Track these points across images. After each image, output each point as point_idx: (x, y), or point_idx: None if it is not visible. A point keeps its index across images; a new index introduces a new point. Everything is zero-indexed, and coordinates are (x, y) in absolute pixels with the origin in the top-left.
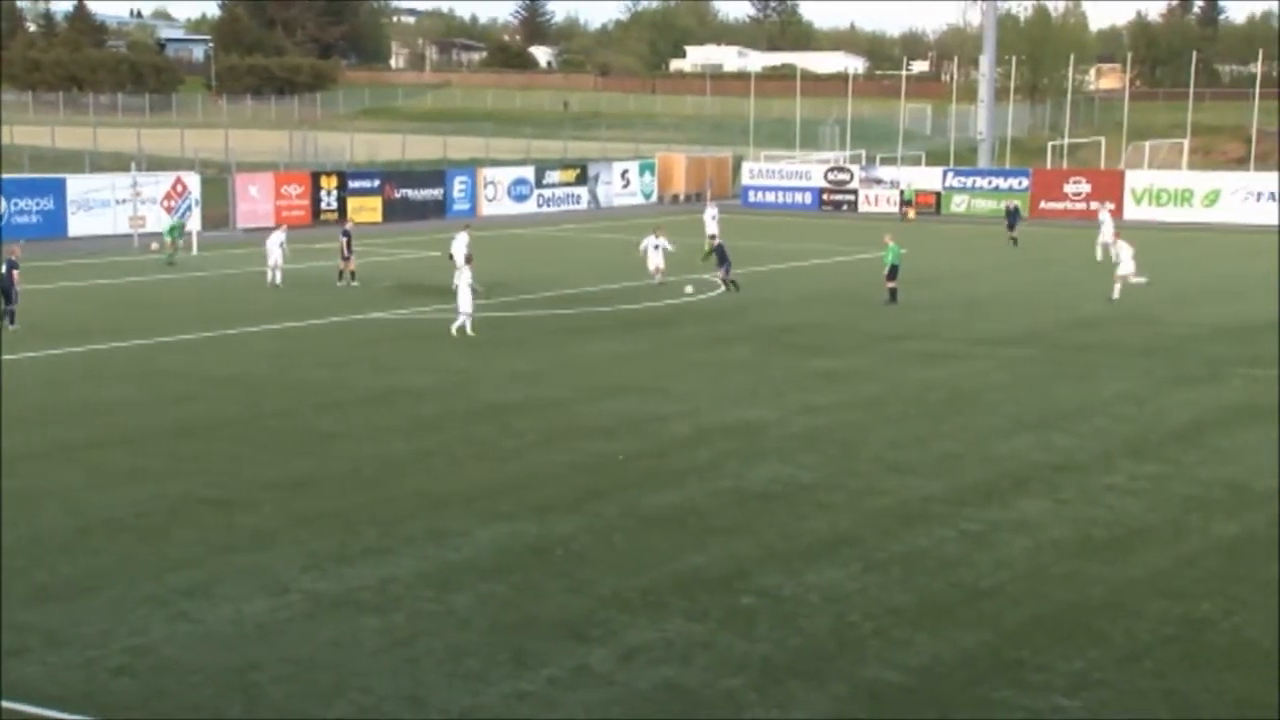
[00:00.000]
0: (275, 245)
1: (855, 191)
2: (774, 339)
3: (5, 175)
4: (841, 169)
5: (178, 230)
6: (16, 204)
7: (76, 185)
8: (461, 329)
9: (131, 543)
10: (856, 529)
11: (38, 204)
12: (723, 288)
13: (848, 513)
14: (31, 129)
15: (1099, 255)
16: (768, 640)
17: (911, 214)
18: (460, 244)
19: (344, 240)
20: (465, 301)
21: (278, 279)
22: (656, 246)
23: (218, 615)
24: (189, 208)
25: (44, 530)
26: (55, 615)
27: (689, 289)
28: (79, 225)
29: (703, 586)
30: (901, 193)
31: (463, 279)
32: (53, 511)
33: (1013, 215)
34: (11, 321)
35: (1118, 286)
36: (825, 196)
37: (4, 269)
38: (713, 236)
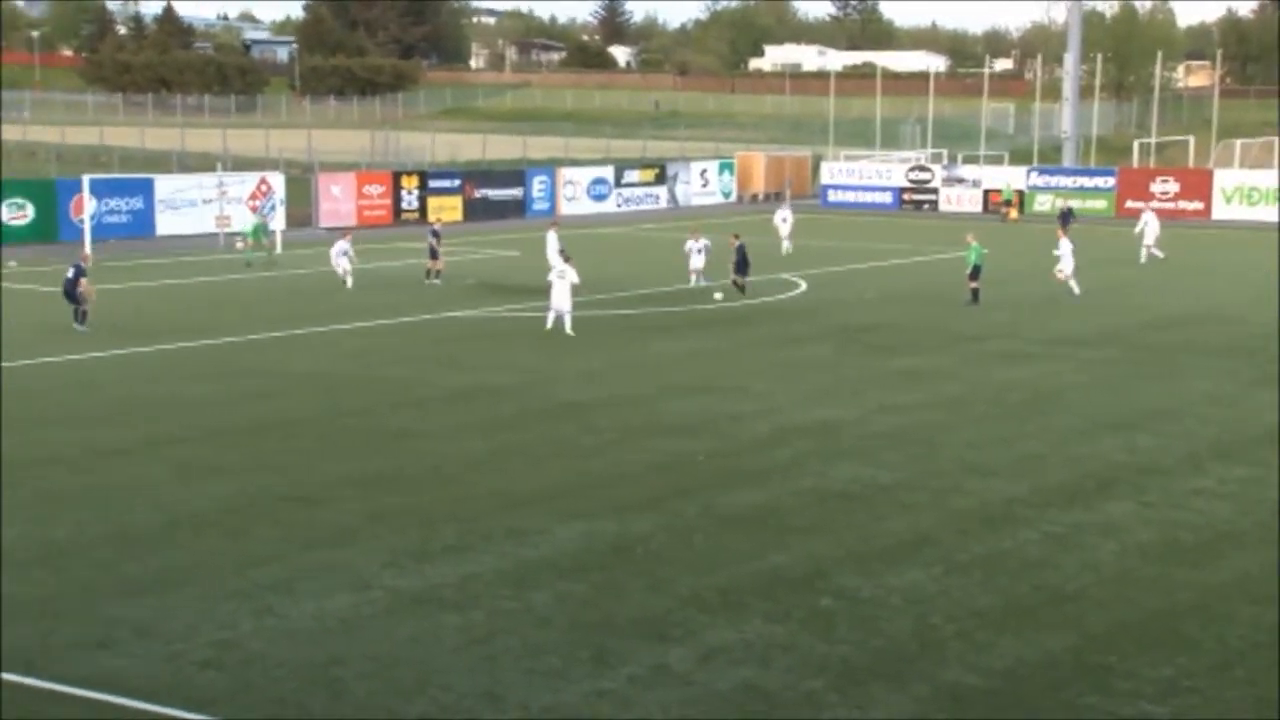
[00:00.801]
0: (339, 255)
1: (936, 191)
2: (853, 338)
3: (96, 176)
4: (922, 168)
5: (261, 230)
6: (107, 204)
7: (164, 185)
8: (559, 325)
9: (216, 538)
10: (938, 530)
11: (127, 204)
12: (739, 292)
13: (929, 513)
14: (122, 130)
15: (1142, 257)
16: (848, 642)
17: (1013, 214)
18: (553, 243)
19: (433, 240)
20: (563, 299)
21: (349, 284)
22: (699, 251)
23: (301, 611)
24: (272, 208)
25: (132, 525)
26: (144, 608)
27: (718, 295)
28: (166, 225)
29: (782, 587)
30: (1000, 192)
31: (564, 275)
32: (141, 506)
33: (1065, 217)
34: (81, 322)
35: (1072, 282)
36: (905, 196)
37: (70, 273)
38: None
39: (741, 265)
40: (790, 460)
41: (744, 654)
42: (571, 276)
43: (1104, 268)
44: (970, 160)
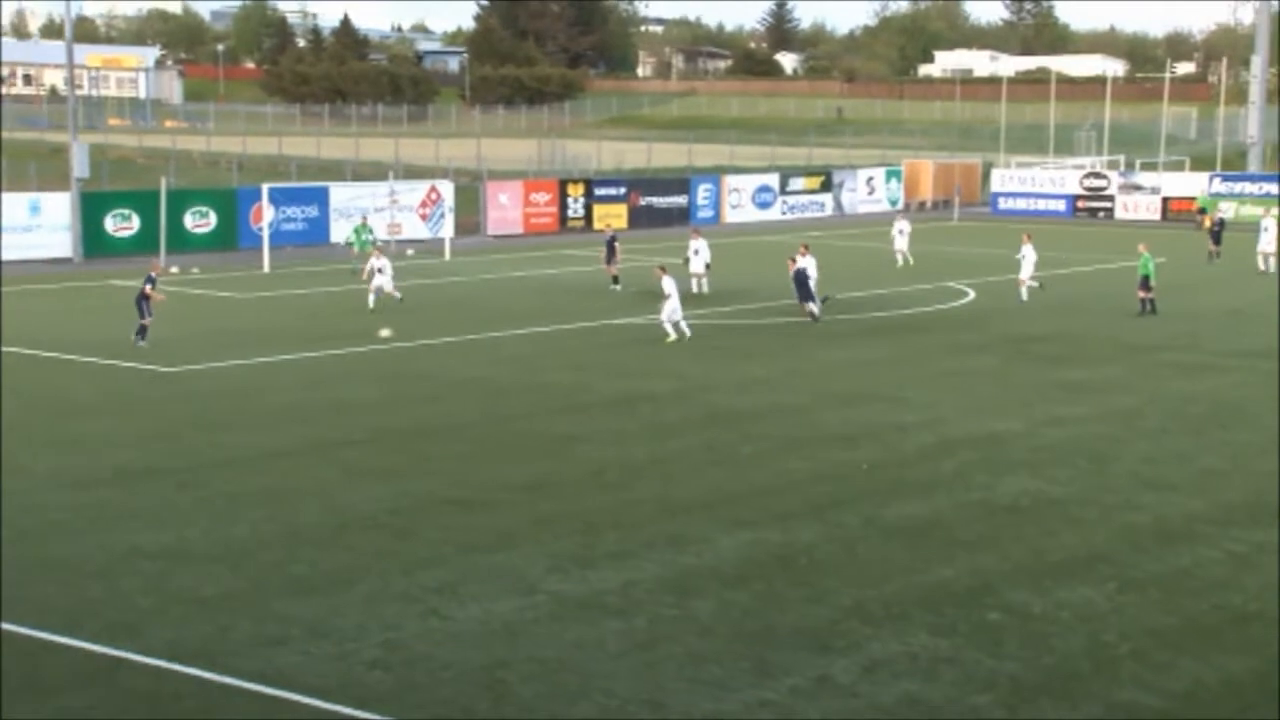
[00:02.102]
0: (377, 272)
1: (1112, 198)
2: (1021, 348)
3: (275, 184)
4: (1098, 175)
5: (364, 231)
6: (284, 212)
7: (339, 193)
8: (680, 334)
9: (383, 540)
10: (1111, 546)
11: (303, 211)
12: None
13: (1101, 529)
14: (299, 140)
15: (1260, 265)
16: (1017, 658)
17: (1207, 222)
18: (703, 252)
19: (607, 247)
20: (674, 309)
21: (380, 299)
22: (696, 252)
23: (466, 613)
24: (441, 216)
25: (302, 525)
26: (314, 607)
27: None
28: (340, 232)
29: (948, 600)
30: (1195, 199)
31: (678, 285)
32: (311, 508)
33: (1219, 228)
34: (141, 337)
35: (1023, 289)
36: (1080, 204)
37: (143, 283)
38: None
39: (804, 293)
40: (955, 472)
41: (908, 667)
42: (669, 287)
43: None
44: (1149, 167)
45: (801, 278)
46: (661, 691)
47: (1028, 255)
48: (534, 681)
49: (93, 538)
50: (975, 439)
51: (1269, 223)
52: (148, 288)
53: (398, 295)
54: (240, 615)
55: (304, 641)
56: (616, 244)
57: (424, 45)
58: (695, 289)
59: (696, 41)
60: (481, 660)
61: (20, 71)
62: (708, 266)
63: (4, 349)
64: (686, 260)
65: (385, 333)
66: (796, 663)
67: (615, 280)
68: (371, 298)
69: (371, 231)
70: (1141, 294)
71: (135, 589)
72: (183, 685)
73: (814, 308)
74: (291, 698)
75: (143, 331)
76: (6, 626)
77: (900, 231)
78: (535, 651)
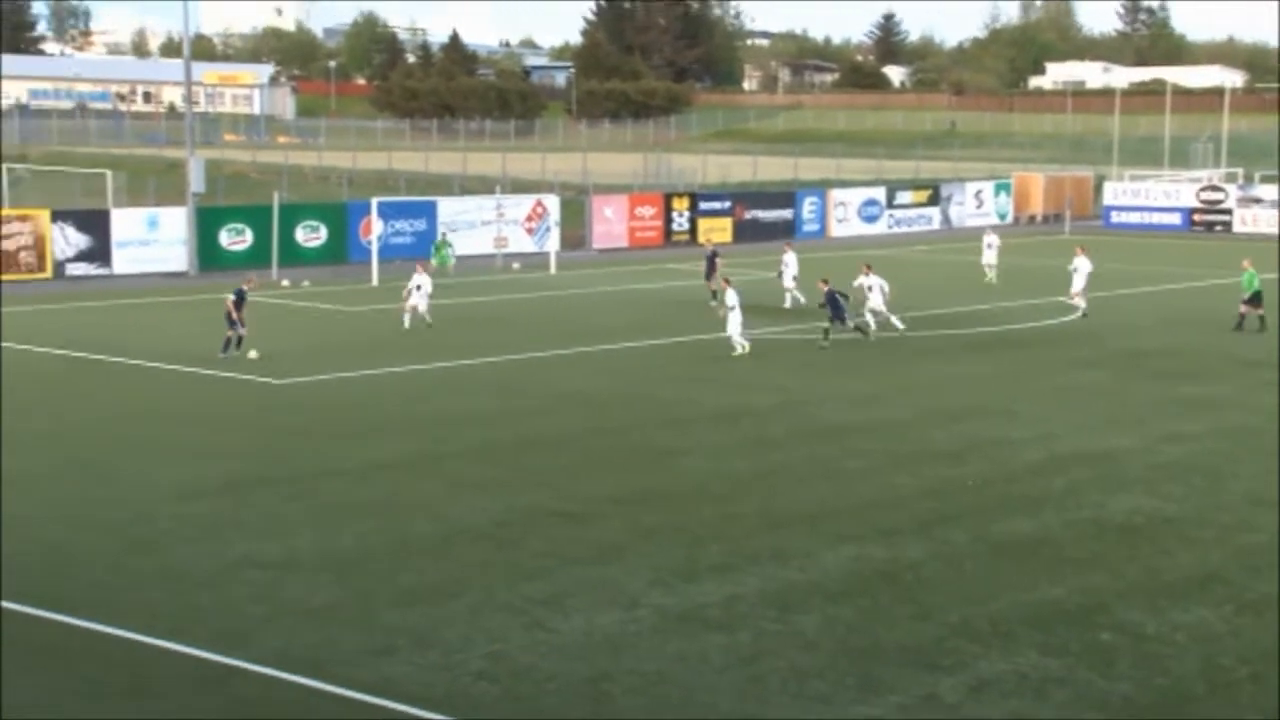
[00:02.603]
0: (414, 289)
1: (1230, 211)
2: (1135, 364)
3: (384, 199)
4: (1215, 188)
5: (444, 246)
6: (393, 226)
7: (447, 207)
8: (742, 347)
9: (488, 551)
10: (1227, 566)
11: (411, 225)
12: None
13: (1217, 549)
14: (408, 154)
15: None
16: (1129, 679)
17: None
18: (792, 266)
19: (708, 261)
20: (738, 322)
21: (415, 319)
22: (786, 265)
23: (570, 626)
24: (547, 229)
25: (409, 536)
26: (420, 618)
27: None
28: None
29: (1058, 619)
30: None
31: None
32: (417, 519)
33: None
34: (224, 350)
35: (1078, 301)
36: (1196, 217)
37: (233, 297)
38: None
39: (836, 311)
40: (1066, 489)
41: (1017, 686)
42: (730, 300)
43: None
44: (1268, 180)
45: (833, 299)
46: (764, 706)
47: (1080, 268)
48: (636, 694)
49: (203, 547)
50: (1087, 455)
51: None
52: (230, 300)
53: (429, 319)
54: (348, 625)
55: (410, 652)
56: (718, 259)
57: (531, 60)
58: (789, 304)
59: (803, 55)
60: (585, 672)
61: (140, 89)
62: (795, 280)
63: (120, 360)
64: (779, 274)
65: (253, 354)
66: (902, 680)
67: (714, 295)
68: (406, 317)
69: (451, 246)
70: (1244, 309)
71: (245, 598)
72: (291, 694)
73: (857, 322)
74: (398, 708)
75: (229, 344)
76: (118, 632)
77: (989, 245)
78: (637, 665)
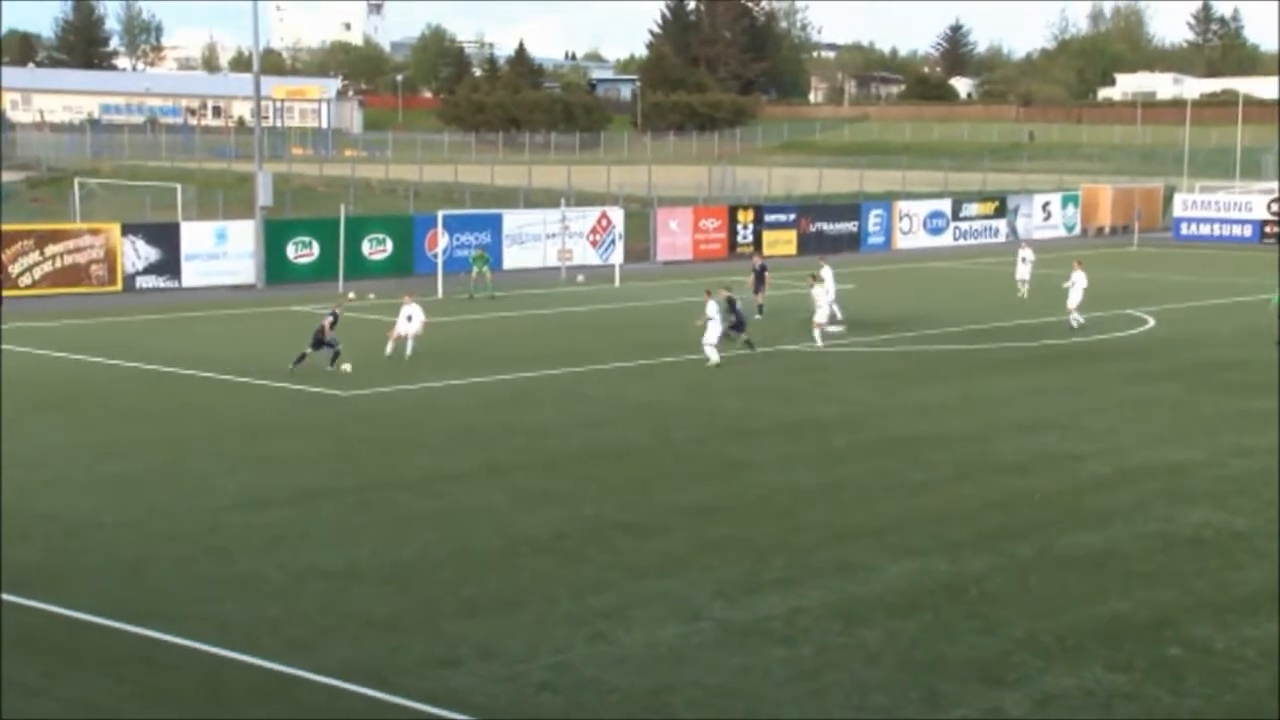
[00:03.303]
0: (405, 321)
1: None
2: (1205, 376)
3: (449, 211)
4: None
5: (481, 262)
6: (458, 238)
7: (511, 220)
8: (713, 359)
9: (551, 562)
10: None
11: (476, 238)
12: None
13: None
14: (474, 167)
15: None
16: (1198, 695)
17: None
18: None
19: (756, 275)
20: (714, 333)
21: (398, 347)
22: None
23: (633, 638)
24: (612, 242)
25: (473, 547)
26: (484, 629)
27: (346, 366)
28: (512, 258)
29: (1125, 634)
30: None
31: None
32: (481, 530)
33: None
34: (297, 363)
35: (1073, 318)
36: (1268, 229)
37: (329, 320)
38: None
39: (737, 318)
40: (1134, 502)
41: (1083, 702)
42: (711, 312)
43: None
44: None
45: (734, 307)
46: None
47: (1077, 283)
48: (699, 707)
49: (272, 556)
50: (1155, 468)
51: None
52: (326, 321)
53: (408, 353)
54: (411, 635)
55: (474, 663)
56: (766, 273)
57: (597, 73)
58: (824, 318)
59: (869, 67)
60: (647, 685)
61: (210, 104)
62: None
63: (189, 372)
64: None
65: (346, 367)
66: (966, 694)
67: (760, 309)
68: (390, 345)
69: (488, 261)
70: None
71: (311, 608)
72: (355, 704)
73: (745, 336)
74: (461, 718)
75: (302, 359)
76: (188, 643)
77: (1024, 260)
78: (700, 678)
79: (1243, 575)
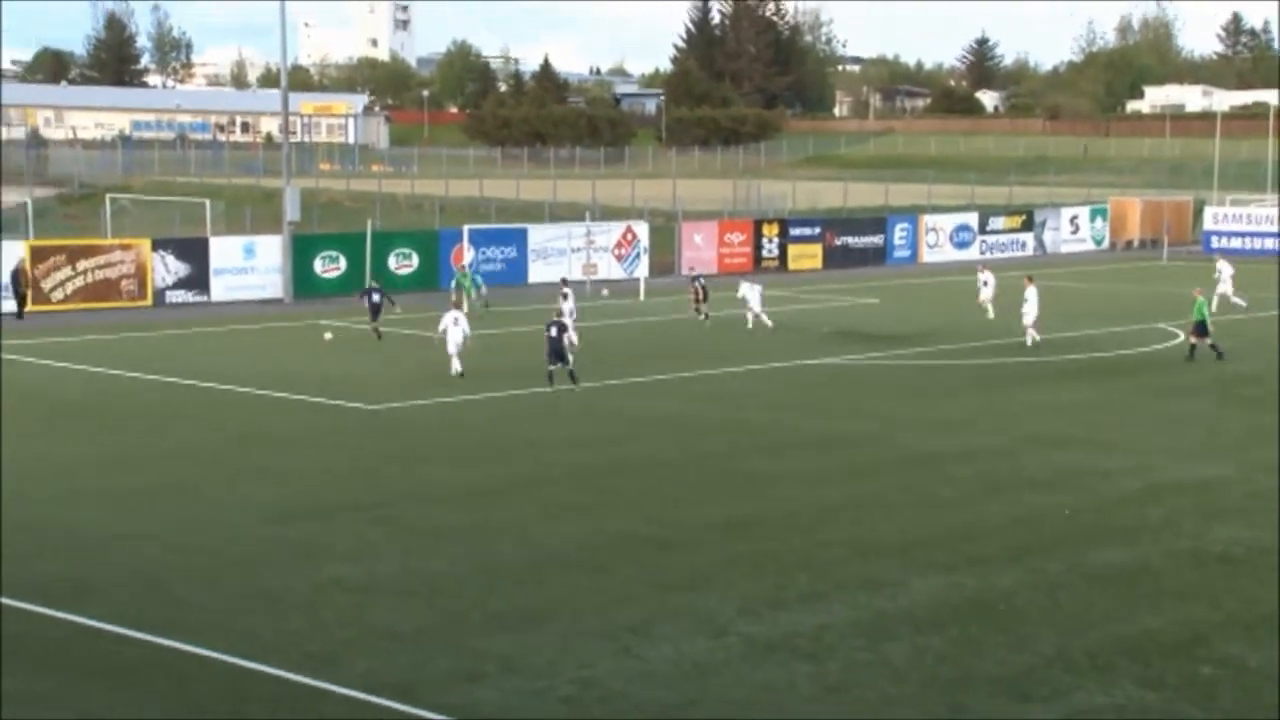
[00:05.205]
0: (453, 325)
1: None
2: (1234, 391)
3: (475, 226)
4: None
5: (465, 279)
6: (484, 253)
7: (537, 235)
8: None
9: (577, 577)
10: None
11: (502, 252)
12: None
13: None
14: (499, 182)
15: None
16: (1230, 713)
17: None
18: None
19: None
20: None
21: (456, 367)
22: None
23: (659, 653)
24: (637, 256)
25: (500, 561)
26: (509, 643)
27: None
28: (537, 273)
29: (1156, 651)
30: None
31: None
32: (508, 544)
33: None
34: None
35: (1028, 336)
36: None
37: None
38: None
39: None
40: (1164, 519)
41: (1114, 719)
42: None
43: None
44: None
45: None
46: None
47: (1030, 298)
48: None
49: (295, 569)
50: (1185, 485)
51: None
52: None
53: (458, 367)
54: (436, 649)
55: (499, 677)
56: (699, 283)
57: (621, 88)
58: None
59: (895, 80)
60: (673, 700)
61: (239, 120)
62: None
63: (217, 386)
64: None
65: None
66: (994, 711)
67: (706, 317)
68: (455, 362)
69: (473, 277)
70: (1194, 339)
71: (334, 621)
72: (379, 717)
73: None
74: None
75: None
76: (211, 654)
77: (984, 283)
78: (725, 693)
79: (1273, 593)
